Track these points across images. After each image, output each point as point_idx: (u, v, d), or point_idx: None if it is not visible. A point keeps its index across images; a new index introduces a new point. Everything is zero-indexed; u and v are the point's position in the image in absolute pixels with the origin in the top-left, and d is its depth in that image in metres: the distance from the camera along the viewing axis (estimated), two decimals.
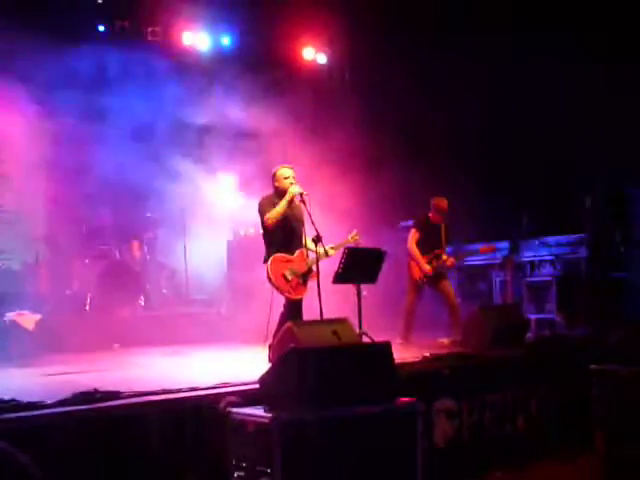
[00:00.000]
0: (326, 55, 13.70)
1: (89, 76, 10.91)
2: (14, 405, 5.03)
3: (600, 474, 6.40)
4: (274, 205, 7.54)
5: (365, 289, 8.06)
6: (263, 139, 11.63)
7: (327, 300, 7.24)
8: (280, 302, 7.64)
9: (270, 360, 6.86)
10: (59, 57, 10.55)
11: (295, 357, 4.95)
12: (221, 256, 12.10)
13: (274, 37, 12.91)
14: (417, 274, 9.48)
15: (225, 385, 5.81)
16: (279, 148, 11.02)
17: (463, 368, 7.09)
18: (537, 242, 11.51)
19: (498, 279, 11.82)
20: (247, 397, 5.36)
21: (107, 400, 5.28)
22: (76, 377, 6.98)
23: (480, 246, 10.56)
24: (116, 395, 5.40)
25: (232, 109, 11.31)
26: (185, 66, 12.23)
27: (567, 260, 11.23)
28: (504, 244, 11.48)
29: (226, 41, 12.85)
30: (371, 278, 7.91)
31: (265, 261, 7.55)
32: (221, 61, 12.55)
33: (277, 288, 7.49)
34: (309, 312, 7.61)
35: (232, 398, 5.36)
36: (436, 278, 9.47)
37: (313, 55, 13.52)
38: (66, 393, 5.29)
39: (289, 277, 7.47)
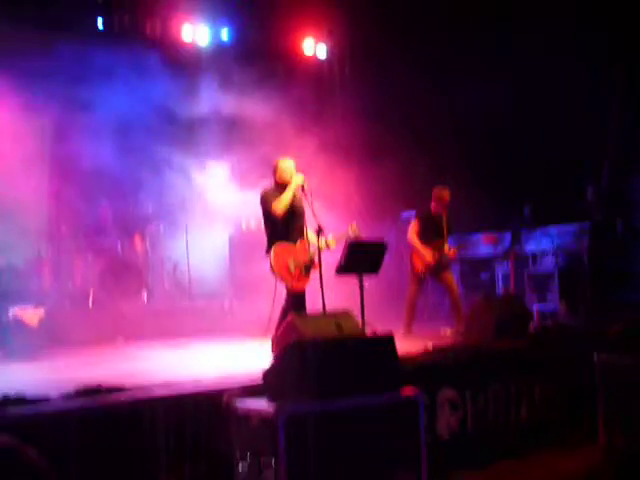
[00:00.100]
0: (326, 46, 13.67)
1: (89, 69, 10.88)
2: (18, 400, 5.05)
3: (602, 463, 6.42)
4: (277, 196, 7.55)
5: (367, 281, 8.07)
6: (263, 131, 11.61)
7: (329, 292, 7.25)
8: (283, 295, 7.65)
9: (273, 352, 6.87)
10: (57, 50, 10.55)
11: (298, 349, 4.97)
12: (223, 249, 12.11)
13: (273, 29, 12.89)
14: (419, 266, 9.48)
15: (229, 378, 5.83)
16: (279, 140, 11.00)
17: (466, 359, 7.09)
18: (539, 232, 11.50)
19: (500, 270, 11.82)
20: (251, 390, 5.37)
21: (111, 394, 5.30)
22: (80, 371, 7.00)
23: (482, 237, 10.55)
24: (120, 389, 5.42)
25: (232, 102, 11.30)
26: (184, 59, 12.20)
27: (569, 250, 11.23)
28: (506, 235, 11.48)
29: (225, 34, 12.81)
30: (374, 269, 7.91)
31: (267, 252, 7.57)
32: (220, 54, 12.51)
33: (280, 278, 7.50)
34: (311, 304, 7.62)
35: (236, 391, 5.38)
36: (438, 269, 9.46)
37: (313, 47, 13.50)
38: (70, 388, 5.31)
39: (292, 267, 7.48)
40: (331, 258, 7.71)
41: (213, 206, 11.68)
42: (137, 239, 11.55)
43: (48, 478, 4.44)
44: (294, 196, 7.57)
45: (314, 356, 4.88)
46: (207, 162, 12.07)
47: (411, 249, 9.58)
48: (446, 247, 9.48)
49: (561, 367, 7.62)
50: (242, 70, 11.61)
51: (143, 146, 11.31)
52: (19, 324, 8.87)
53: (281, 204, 7.49)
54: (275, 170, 7.75)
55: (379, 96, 12.92)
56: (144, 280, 11.18)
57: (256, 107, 11.27)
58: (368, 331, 7.27)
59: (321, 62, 13.77)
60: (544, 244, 11.47)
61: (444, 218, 9.57)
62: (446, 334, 8.97)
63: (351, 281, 7.90)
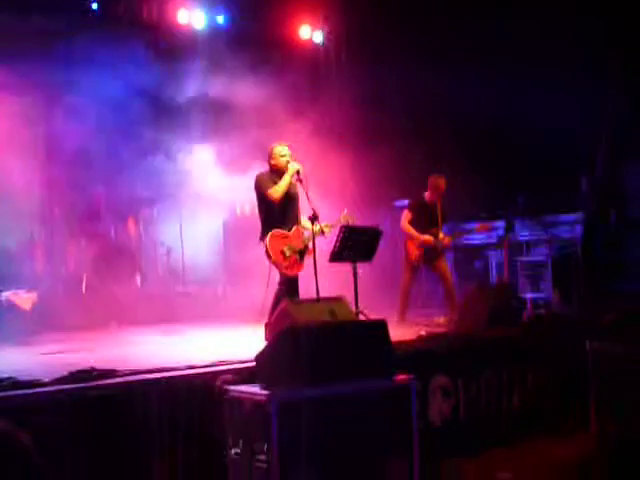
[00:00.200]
0: (322, 33, 13.62)
1: (82, 52, 10.83)
2: (11, 383, 5.05)
3: (594, 451, 6.45)
4: (273, 182, 7.54)
5: (361, 268, 8.07)
6: (257, 116, 11.58)
7: (323, 279, 7.25)
8: (276, 281, 7.65)
9: (266, 338, 6.88)
10: (49, 34, 10.51)
11: (291, 335, 4.96)
12: (217, 235, 12.10)
13: (270, 15, 12.83)
14: (413, 254, 9.48)
15: (222, 363, 5.83)
16: (274, 125, 10.97)
17: (459, 346, 7.11)
18: (533, 222, 11.51)
19: (494, 258, 11.83)
20: (244, 375, 5.38)
21: (104, 378, 5.30)
22: (73, 356, 7.00)
23: (476, 225, 10.56)
24: (113, 373, 5.42)
25: (227, 86, 11.25)
26: (180, 43, 12.14)
27: (563, 240, 11.25)
28: (500, 223, 11.49)
29: (221, 20, 12.76)
30: (368, 256, 7.92)
31: (261, 238, 7.56)
32: (216, 38, 12.46)
33: (275, 264, 7.50)
34: (305, 291, 7.62)
35: (228, 376, 5.38)
36: (432, 257, 9.46)
37: (309, 33, 13.45)
38: (63, 371, 5.31)
39: (287, 253, 7.48)
40: (325, 245, 7.71)
41: (207, 191, 11.66)
42: (130, 223, 11.54)
43: (40, 465, 4.45)
44: (289, 182, 7.57)
45: (307, 342, 4.88)
46: (201, 147, 12.04)
47: (405, 237, 9.58)
48: (440, 235, 9.49)
49: (554, 355, 7.65)
50: (237, 55, 11.56)
51: (136, 130, 11.26)
52: (12, 308, 8.86)
53: (278, 190, 7.48)
54: (270, 155, 7.73)
55: (375, 83, 12.89)
56: (137, 265, 11.18)
57: (251, 92, 11.24)
58: (361, 318, 7.29)
59: (317, 48, 13.72)
60: (538, 233, 11.48)
61: (439, 206, 9.56)
62: (440, 322, 8.99)
63: (345, 268, 7.90)
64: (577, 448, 6.67)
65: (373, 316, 7.19)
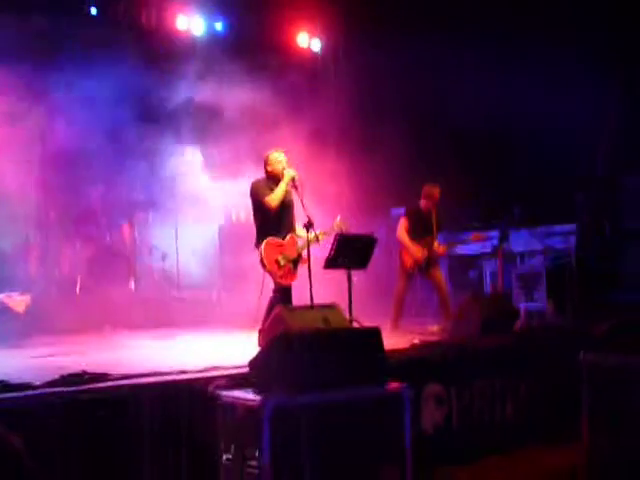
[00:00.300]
0: (320, 41, 13.64)
1: (82, 57, 10.84)
2: (2, 386, 5.03)
3: (586, 461, 6.44)
4: (270, 188, 7.54)
5: (356, 275, 8.07)
6: (254, 122, 11.59)
7: (318, 286, 7.25)
8: (270, 287, 7.65)
9: (260, 344, 6.86)
10: (49, 37, 10.51)
11: (285, 341, 4.96)
12: (213, 240, 12.10)
13: (268, 23, 12.85)
14: (408, 262, 9.49)
15: (215, 368, 5.82)
16: (270, 131, 10.98)
17: (452, 355, 7.10)
18: (528, 232, 11.53)
19: (488, 268, 11.84)
20: (237, 380, 5.36)
21: (95, 382, 5.29)
22: (65, 359, 6.98)
23: (471, 235, 10.57)
24: (104, 377, 5.41)
25: (224, 92, 11.26)
26: (178, 49, 12.15)
27: (557, 250, 11.26)
28: (495, 233, 11.49)
29: (219, 26, 12.76)
30: (362, 264, 7.92)
31: (256, 245, 7.56)
32: (214, 45, 12.47)
33: (270, 273, 7.51)
34: (300, 298, 7.62)
35: (221, 381, 5.37)
36: (427, 266, 9.47)
37: (307, 41, 13.47)
38: (55, 375, 5.30)
39: (282, 262, 7.49)
40: (320, 252, 7.70)
41: (203, 196, 11.66)
42: (126, 227, 11.52)
43: (31, 468, 4.42)
44: (285, 190, 7.57)
45: (300, 348, 4.88)
46: (197, 152, 12.04)
47: (401, 246, 9.59)
48: (435, 244, 9.51)
49: (547, 366, 7.65)
50: (234, 61, 11.58)
51: (133, 134, 11.27)
52: (5, 310, 8.84)
53: (275, 199, 7.48)
54: (266, 162, 7.73)
55: (371, 91, 12.90)
56: (132, 269, 11.16)
57: (248, 98, 11.25)
58: (355, 325, 7.28)
59: (314, 56, 13.74)
60: (533, 244, 11.49)
61: (434, 215, 9.58)
62: (433, 330, 8.99)
63: (340, 275, 7.90)
64: (570, 458, 6.65)
65: (367, 323, 7.19)
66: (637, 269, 10.78)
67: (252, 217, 7.81)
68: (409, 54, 12.05)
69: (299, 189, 7.53)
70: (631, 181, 11.61)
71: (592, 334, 7.90)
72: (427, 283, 9.90)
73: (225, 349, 7.69)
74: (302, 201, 7.46)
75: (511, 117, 11.74)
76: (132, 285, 11.03)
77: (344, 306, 7.11)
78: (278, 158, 7.70)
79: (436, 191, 9.56)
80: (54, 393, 4.99)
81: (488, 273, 11.81)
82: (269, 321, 6.56)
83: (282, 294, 7.51)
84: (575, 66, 10.94)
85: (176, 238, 11.58)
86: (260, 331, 7.11)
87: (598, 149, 11.70)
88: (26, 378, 5.30)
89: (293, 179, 7.52)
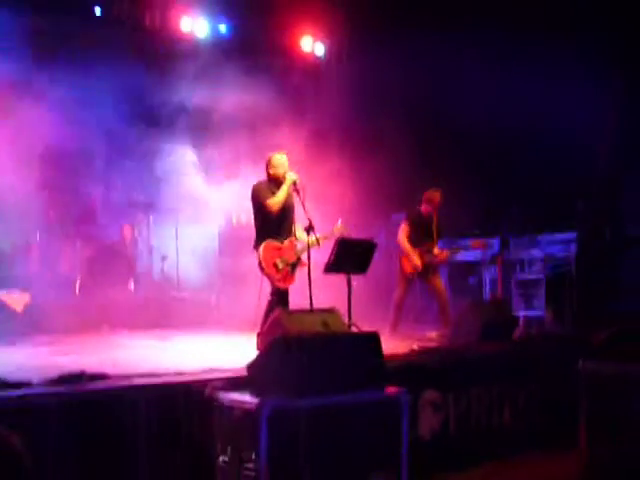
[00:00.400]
0: (323, 44, 13.65)
1: (85, 57, 10.85)
2: (0, 384, 5.02)
3: (583, 470, 6.43)
4: (271, 191, 7.54)
5: (355, 280, 8.07)
6: (256, 124, 11.60)
7: (317, 290, 7.25)
8: (268, 290, 7.65)
9: (258, 347, 6.86)
10: (52, 37, 10.52)
11: (283, 345, 4.96)
12: (212, 242, 12.10)
13: (271, 26, 12.86)
14: (408, 268, 9.49)
15: (212, 370, 5.82)
16: (272, 133, 10.98)
17: (450, 362, 7.10)
18: (528, 239, 11.53)
19: (488, 275, 11.84)
20: (234, 383, 5.36)
21: (94, 382, 5.28)
22: (63, 358, 6.97)
23: (471, 241, 10.57)
24: (103, 377, 5.40)
25: (227, 94, 11.26)
26: (181, 51, 12.16)
27: (557, 258, 11.26)
28: (495, 240, 11.50)
29: (223, 28, 12.77)
30: (362, 269, 7.91)
31: (255, 247, 7.56)
32: (218, 48, 12.47)
33: (268, 276, 7.52)
34: (299, 301, 7.61)
35: (219, 383, 5.36)
36: (427, 272, 9.48)
37: (310, 44, 13.48)
38: (53, 374, 5.29)
39: (280, 266, 7.49)
40: (320, 256, 7.70)
41: (204, 198, 11.66)
42: (126, 228, 11.53)
43: (31, 469, 4.42)
44: (287, 193, 7.57)
45: (298, 352, 4.87)
46: (198, 154, 12.04)
47: (400, 250, 9.59)
48: (436, 250, 9.51)
49: (545, 373, 7.65)
50: (238, 63, 11.58)
51: (134, 135, 11.28)
52: (4, 309, 8.83)
53: (277, 202, 7.48)
54: (268, 164, 7.73)
55: (373, 95, 12.91)
56: (132, 269, 11.16)
57: (251, 100, 11.25)
58: (354, 330, 7.28)
59: (317, 59, 13.75)
60: (532, 251, 11.49)
61: (434, 221, 9.59)
62: (432, 337, 8.98)
63: (339, 280, 7.90)
64: (567, 466, 6.65)
65: (366, 328, 7.18)
66: (637, 278, 10.77)
67: (252, 219, 7.82)
68: (411, 58, 12.06)
69: (300, 193, 7.53)
70: (631, 188, 11.61)
71: (591, 342, 7.89)
72: (426, 289, 9.89)
73: (223, 351, 7.69)
74: (303, 204, 7.46)
75: (511, 120, 11.73)
76: (131, 286, 11.03)
77: (343, 310, 7.11)
78: (280, 160, 7.70)
79: (437, 196, 9.56)
80: (52, 392, 4.98)
81: (488, 280, 11.81)
82: (268, 324, 6.56)
83: (279, 297, 7.52)
84: (574, 67, 10.92)
85: (176, 239, 11.58)
86: (258, 334, 7.10)
87: (598, 150, 11.68)
88: (24, 377, 5.29)
89: (295, 183, 7.53)
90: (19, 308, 8.85)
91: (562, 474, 6.53)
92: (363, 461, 5.09)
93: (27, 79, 10.23)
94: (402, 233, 9.56)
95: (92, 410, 4.96)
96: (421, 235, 9.50)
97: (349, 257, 7.65)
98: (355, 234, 8.43)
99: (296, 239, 7.72)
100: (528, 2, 11.37)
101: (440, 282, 9.65)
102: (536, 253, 11.43)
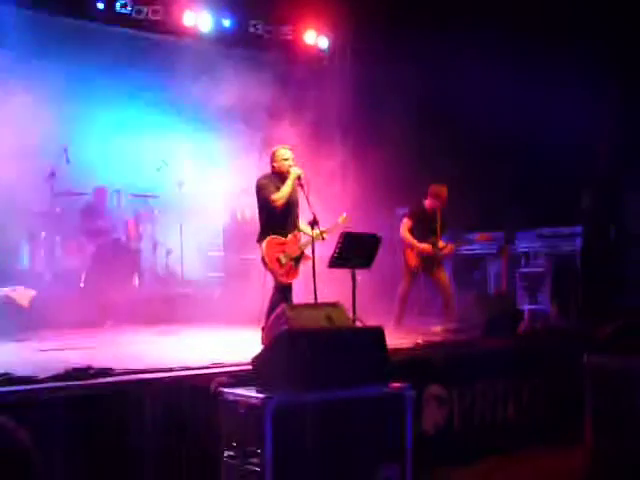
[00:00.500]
0: (328, 38, 13.63)
1: (93, 53, 10.87)
2: (7, 379, 5.04)
3: (589, 464, 6.43)
4: (276, 185, 7.54)
5: (359, 274, 8.06)
6: (259, 120, 11.60)
7: (322, 284, 7.25)
8: (272, 285, 7.65)
9: (263, 342, 6.86)
10: (55, 31, 10.53)
11: (288, 339, 4.96)
12: (217, 237, 12.11)
13: (275, 19, 12.84)
14: (412, 262, 9.49)
15: (217, 365, 5.83)
16: (276, 128, 10.97)
17: (455, 356, 7.10)
18: (533, 233, 11.51)
19: (493, 269, 11.82)
20: (239, 378, 5.37)
21: (100, 377, 5.29)
22: (69, 353, 6.99)
23: (476, 235, 10.56)
24: (109, 372, 5.41)
25: (231, 88, 11.25)
26: (185, 45, 12.15)
27: (562, 252, 11.24)
28: (500, 234, 11.49)
29: (226, 23, 12.73)
30: (367, 263, 7.91)
31: (259, 240, 7.56)
32: (221, 42, 12.46)
33: (271, 271, 7.52)
34: (303, 295, 7.62)
35: (224, 378, 5.37)
36: (431, 266, 9.47)
37: (314, 38, 13.45)
38: (59, 369, 5.30)
39: (283, 261, 7.49)
40: (324, 250, 7.70)
41: (209, 194, 11.67)
42: (131, 223, 11.53)
43: (39, 465, 4.43)
44: (292, 187, 7.58)
45: (303, 347, 4.88)
46: (203, 149, 12.05)
47: (404, 244, 9.59)
48: (440, 244, 9.50)
49: (550, 368, 7.66)
50: (241, 57, 11.59)
51: (139, 130, 11.29)
52: (10, 304, 8.84)
53: (281, 197, 7.48)
54: (273, 158, 7.74)
55: (377, 90, 12.89)
56: (137, 264, 11.17)
57: (254, 94, 11.24)
58: (358, 324, 7.28)
59: (321, 53, 13.72)
60: (537, 245, 11.48)
61: (439, 215, 9.57)
62: (436, 331, 8.98)
63: (343, 274, 7.90)
64: (572, 460, 6.66)
65: (370, 322, 7.18)
66: None
67: (257, 214, 7.82)
68: (414, 52, 12.05)
69: (305, 187, 7.53)
70: (636, 184, 11.59)
71: (596, 337, 7.89)
72: (431, 283, 9.89)
73: (228, 346, 7.70)
74: (307, 199, 7.46)
75: (516, 118, 11.71)
76: (136, 281, 11.04)
77: (348, 305, 7.11)
78: (285, 155, 7.70)
79: (443, 191, 9.55)
80: (59, 387, 4.99)
81: (492, 274, 11.79)
82: (272, 319, 6.55)
83: (282, 292, 7.53)
84: (579, 70, 10.90)
85: (181, 234, 11.59)
86: (263, 328, 7.11)
87: (598, 149, 11.66)
88: (30, 372, 5.31)
89: (299, 177, 7.53)
90: (25, 303, 8.86)
91: (566, 469, 6.53)
92: (368, 455, 5.09)
93: (28, 71, 10.24)
94: (404, 227, 9.56)
95: (98, 405, 4.98)
96: (424, 230, 9.49)
97: (354, 251, 7.64)
98: (359, 228, 8.42)
99: (300, 233, 7.72)
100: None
101: (445, 276, 9.65)
102: (541, 247, 11.41)
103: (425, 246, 9.38)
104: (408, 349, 7.07)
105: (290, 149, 7.79)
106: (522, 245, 11.59)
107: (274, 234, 7.54)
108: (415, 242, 9.42)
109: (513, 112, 11.60)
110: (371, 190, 11.96)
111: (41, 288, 9.49)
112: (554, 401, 7.60)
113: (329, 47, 13.73)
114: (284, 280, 7.53)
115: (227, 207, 11.97)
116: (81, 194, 11.13)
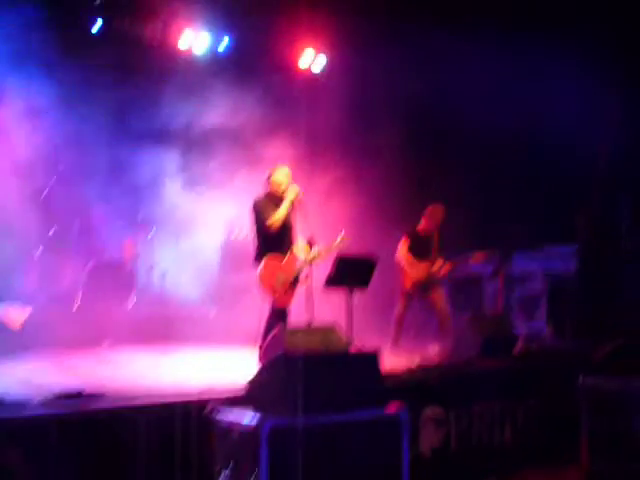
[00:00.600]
0: (324, 58, 13.67)
1: (89, 73, 10.86)
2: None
3: None
4: (272, 206, 7.53)
5: (355, 295, 8.05)
6: (253, 139, 11.60)
7: (318, 305, 7.24)
8: (268, 306, 7.64)
9: (259, 364, 6.84)
10: (56, 56, 10.53)
11: (284, 362, 4.96)
12: (213, 257, 12.08)
13: (272, 38, 12.87)
14: (408, 283, 9.48)
15: (213, 388, 5.81)
16: (272, 148, 10.98)
17: (451, 378, 7.09)
18: (529, 254, 11.52)
19: (489, 289, 11.82)
20: (234, 400, 5.35)
21: (92, 401, 5.26)
22: (63, 376, 6.96)
23: (472, 256, 10.56)
24: (101, 397, 5.38)
25: (226, 111, 11.27)
26: (181, 66, 12.17)
27: (558, 273, 11.25)
28: (495, 254, 11.48)
29: (224, 42, 12.76)
30: (363, 284, 7.89)
31: (255, 261, 7.55)
32: (217, 63, 12.49)
33: (268, 293, 7.50)
34: (300, 316, 7.60)
35: (219, 401, 5.35)
36: (427, 287, 9.47)
37: (311, 58, 13.49)
38: (52, 390, 5.28)
39: (280, 283, 7.47)
40: (321, 270, 7.69)
41: (205, 214, 11.65)
42: (127, 243, 11.51)
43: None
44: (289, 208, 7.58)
45: (299, 369, 4.87)
46: (198, 170, 12.03)
47: (400, 265, 9.58)
48: (437, 265, 9.50)
49: (546, 389, 7.64)
50: (238, 79, 11.60)
51: (136, 152, 11.28)
52: (3, 324, 8.80)
53: (278, 218, 7.48)
54: (269, 179, 7.73)
55: (374, 109, 12.93)
56: (133, 284, 11.14)
57: (249, 115, 11.26)
58: (354, 347, 7.27)
59: (318, 73, 13.76)
60: (533, 265, 11.48)
61: (435, 236, 9.58)
62: (433, 352, 8.96)
63: (340, 294, 7.89)
64: None
65: (366, 344, 7.17)
66: (637, 293, 10.76)
67: (253, 234, 7.80)
68: (411, 73, 12.10)
69: (301, 208, 7.53)
70: (630, 201, 11.59)
71: (591, 358, 7.89)
72: (427, 304, 9.88)
73: (223, 368, 7.68)
74: (304, 219, 7.46)
75: (511, 137, 11.74)
76: (132, 301, 11.01)
77: (344, 325, 7.10)
78: (281, 175, 7.70)
79: (440, 212, 9.57)
80: (51, 412, 4.96)
81: (488, 295, 11.79)
82: (268, 341, 6.55)
83: (279, 313, 7.51)
84: (577, 85, 10.90)
85: (177, 254, 11.56)
86: (260, 347, 7.09)
87: (595, 169, 11.68)
88: (23, 393, 5.29)
89: (296, 198, 7.53)
90: (19, 323, 8.81)
91: None
92: (364, 478, 5.07)
93: (23, 93, 10.23)
94: (402, 248, 9.56)
95: (91, 429, 4.95)
96: (421, 250, 9.49)
97: (350, 273, 7.64)
98: (356, 248, 8.42)
99: (297, 254, 7.71)
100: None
101: (441, 297, 9.63)
102: (537, 267, 11.42)
103: (419, 273, 9.38)
104: (405, 371, 7.05)
105: (287, 169, 7.79)
106: (518, 265, 11.59)
107: (271, 255, 7.52)
108: (411, 266, 9.42)
109: (510, 131, 11.64)
110: (367, 210, 11.96)
111: (36, 308, 9.43)
112: (550, 422, 7.58)
113: (325, 66, 13.77)
114: (281, 301, 7.52)
115: (224, 227, 11.95)
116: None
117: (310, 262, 7.43)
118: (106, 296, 10.33)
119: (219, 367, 7.67)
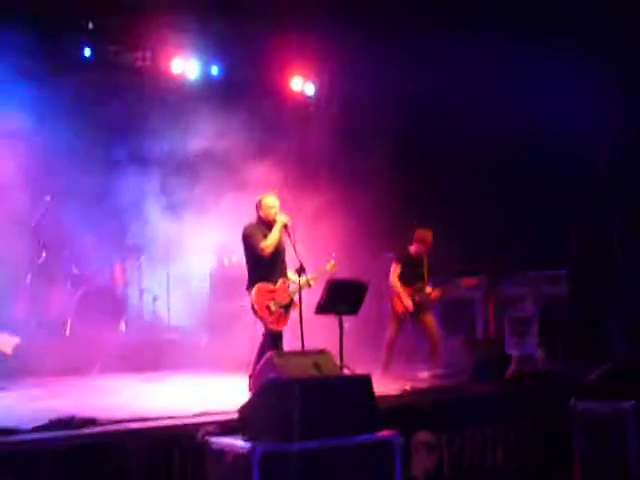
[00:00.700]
0: (314, 85, 13.76)
1: (82, 100, 10.90)
2: None
3: None
4: (263, 233, 7.55)
5: (346, 320, 8.06)
6: (243, 165, 11.63)
7: (309, 330, 7.24)
8: (261, 332, 7.63)
9: (250, 390, 6.83)
10: (45, 81, 10.55)
11: (275, 388, 4.95)
12: (204, 283, 12.08)
13: (262, 66, 12.95)
14: (399, 308, 9.49)
15: (204, 414, 5.78)
16: (259, 174, 11.01)
17: (443, 402, 7.08)
18: (520, 277, 11.54)
19: (480, 313, 11.82)
20: (226, 426, 5.33)
21: (84, 427, 5.24)
22: (54, 401, 6.93)
23: (463, 280, 10.58)
24: (93, 422, 5.36)
25: (216, 136, 11.31)
26: (172, 93, 12.22)
27: (549, 295, 11.26)
28: (486, 278, 11.50)
29: (214, 70, 12.83)
30: (354, 310, 7.90)
31: (248, 288, 7.55)
32: (208, 90, 12.55)
33: (261, 319, 7.50)
34: (291, 342, 7.59)
35: (211, 427, 5.33)
36: (419, 311, 9.48)
37: (301, 85, 13.57)
38: (43, 418, 5.25)
39: (273, 309, 7.48)
40: (312, 297, 7.70)
41: (195, 240, 11.65)
42: (117, 269, 11.49)
43: None
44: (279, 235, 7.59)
45: (291, 395, 4.86)
46: (189, 197, 12.04)
47: (392, 290, 9.59)
48: (427, 289, 9.52)
49: (538, 413, 7.63)
50: (229, 105, 11.64)
51: (126, 177, 11.29)
52: None
53: (269, 245, 7.49)
54: (259, 206, 7.75)
55: (364, 134, 12.99)
56: (123, 311, 11.11)
57: (240, 141, 11.30)
58: (346, 371, 7.26)
59: (308, 99, 13.84)
60: (524, 289, 11.50)
61: (425, 260, 9.61)
62: (424, 377, 8.95)
63: (330, 319, 7.89)
64: None
65: (357, 369, 7.17)
66: (628, 317, 10.79)
67: (244, 261, 7.81)
68: (399, 97, 12.16)
69: (291, 235, 7.55)
70: (622, 212, 11.61)
71: (583, 381, 7.90)
72: (418, 328, 9.88)
73: (215, 394, 7.65)
74: (294, 246, 7.48)
75: (500, 158, 11.77)
76: (122, 327, 10.97)
77: (335, 351, 7.09)
78: (271, 202, 7.73)
79: (429, 236, 9.60)
80: (43, 439, 4.94)
81: (480, 318, 11.79)
82: (260, 366, 6.54)
83: (272, 339, 7.50)
84: (571, 100, 10.92)
85: (167, 280, 11.56)
86: (251, 376, 7.08)
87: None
88: (13, 421, 5.25)
89: (286, 225, 7.55)
90: (9, 351, 8.78)
91: None
92: None
93: (14, 120, 10.24)
94: (393, 273, 9.57)
95: (83, 455, 4.92)
96: (412, 275, 9.51)
97: (341, 298, 7.65)
98: (346, 273, 8.43)
99: (289, 280, 7.72)
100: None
101: (432, 321, 9.64)
102: (528, 291, 11.44)
103: (408, 303, 9.39)
104: (396, 395, 7.05)
105: (276, 197, 7.82)
106: (509, 289, 11.61)
107: (263, 282, 7.53)
108: (402, 293, 9.43)
109: (498, 154, 11.67)
110: (357, 234, 11.98)
111: (26, 335, 9.41)
112: (542, 445, 7.56)
113: (315, 93, 13.85)
114: (274, 327, 7.52)
115: (214, 253, 11.95)
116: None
117: (300, 289, 7.43)
118: (96, 323, 10.29)
119: (211, 394, 7.63)
